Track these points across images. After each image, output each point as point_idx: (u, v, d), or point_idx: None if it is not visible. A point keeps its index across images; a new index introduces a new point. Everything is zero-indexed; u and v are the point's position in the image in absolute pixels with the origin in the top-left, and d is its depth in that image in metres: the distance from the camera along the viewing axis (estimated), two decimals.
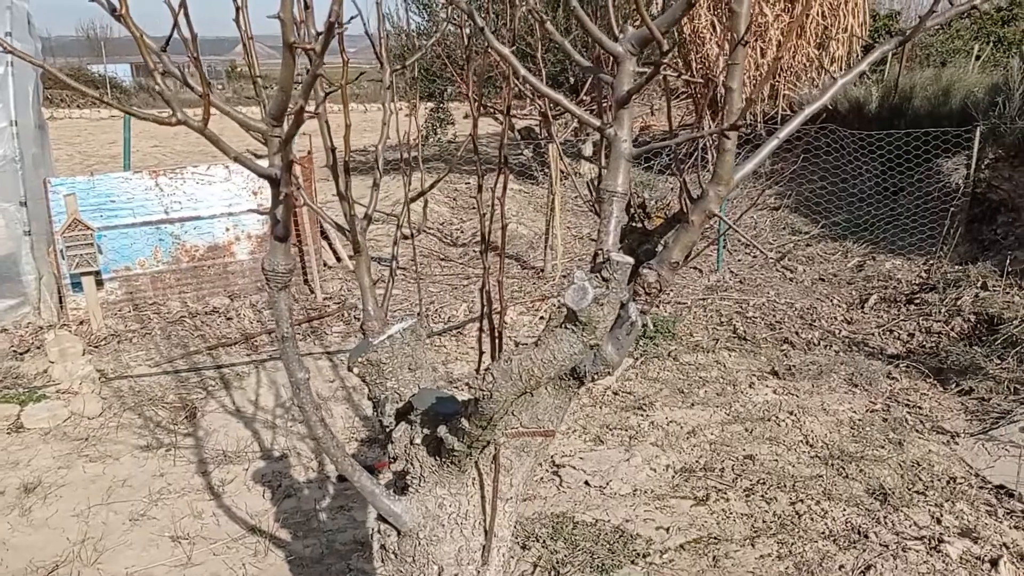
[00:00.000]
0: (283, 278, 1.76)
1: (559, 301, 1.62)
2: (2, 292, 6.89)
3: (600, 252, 1.71)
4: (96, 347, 6.50)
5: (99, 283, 6.98)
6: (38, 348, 6.34)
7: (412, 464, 2.04)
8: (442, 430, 1.90)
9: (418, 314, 2.81)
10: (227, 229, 7.57)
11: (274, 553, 3.83)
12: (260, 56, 2.02)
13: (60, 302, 7.01)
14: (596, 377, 2.05)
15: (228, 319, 7.10)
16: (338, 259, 8.42)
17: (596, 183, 2.37)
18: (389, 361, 2.14)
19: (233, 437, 5.00)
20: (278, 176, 1.55)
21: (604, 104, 2.37)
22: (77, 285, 6.85)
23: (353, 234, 2.29)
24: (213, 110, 1.48)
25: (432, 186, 2.47)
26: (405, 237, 2.46)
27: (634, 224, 2.17)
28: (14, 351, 6.31)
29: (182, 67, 1.62)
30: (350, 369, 2.21)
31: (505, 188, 2.06)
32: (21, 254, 6.84)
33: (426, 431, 2.00)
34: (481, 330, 2.30)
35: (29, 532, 4.08)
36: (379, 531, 2.10)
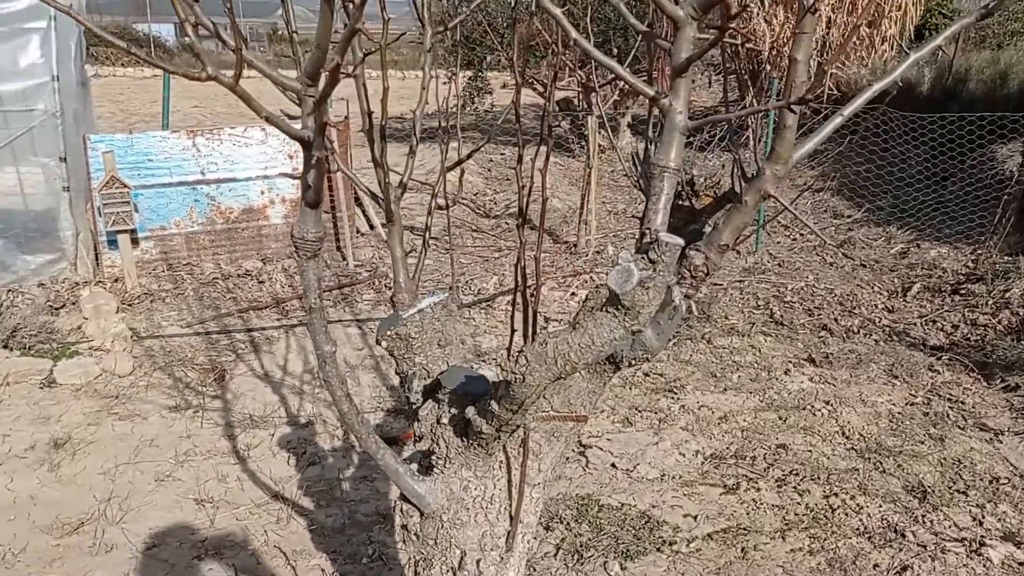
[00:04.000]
0: (313, 246, 1.68)
1: (599, 282, 1.53)
2: (40, 247, 6.92)
3: (648, 232, 1.61)
4: (129, 305, 6.51)
5: (134, 242, 6.98)
6: (73, 304, 6.37)
7: (438, 444, 1.97)
8: (470, 411, 1.82)
9: (450, 288, 2.74)
10: (262, 192, 7.53)
11: (296, 521, 3.80)
12: (300, 19, 1.93)
13: (96, 259, 7.03)
14: (634, 363, 1.95)
15: (260, 283, 7.08)
16: (371, 226, 8.36)
17: (641, 157, 2.26)
18: (418, 336, 2.06)
19: (260, 401, 4.98)
20: (311, 139, 1.47)
21: (655, 74, 2.25)
22: (113, 243, 6.86)
23: (387, 202, 2.20)
24: (248, 69, 1.40)
25: (469, 156, 2.38)
26: (440, 207, 2.37)
27: (681, 203, 2.06)
28: (50, 306, 6.34)
29: (219, 25, 1.53)
30: (378, 342, 2.13)
31: (547, 161, 1.96)
32: (60, 210, 6.85)
33: (454, 411, 1.93)
34: (514, 308, 2.21)
35: (57, 488, 4.09)
36: (402, 511, 2.04)
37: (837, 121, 1.84)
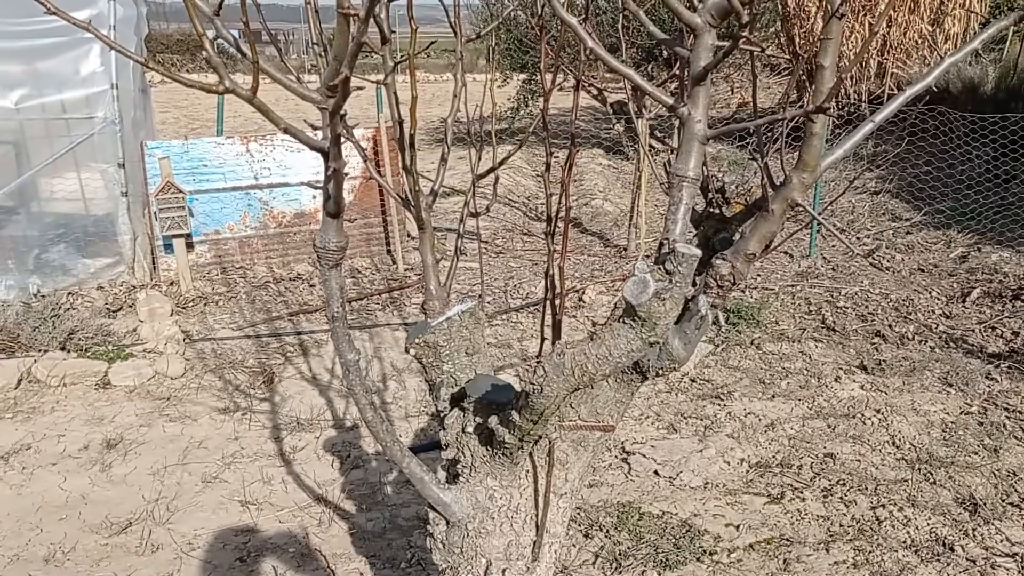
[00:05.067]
0: (335, 256, 1.70)
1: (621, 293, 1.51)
2: (100, 250, 7.13)
3: (665, 242, 1.58)
4: (184, 308, 6.66)
5: (189, 246, 7.14)
6: (130, 307, 6.54)
7: (463, 453, 1.97)
8: (493, 421, 1.82)
9: (479, 296, 2.74)
10: (313, 197, 7.64)
11: (337, 524, 3.84)
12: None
13: (152, 263, 7.21)
14: (661, 372, 1.93)
15: (311, 286, 7.18)
16: (421, 229, 8.41)
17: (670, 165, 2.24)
18: (446, 344, 2.07)
19: (307, 404, 5.05)
20: (328, 149, 1.48)
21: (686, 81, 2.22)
22: (168, 247, 7.02)
23: (417, 210, 2.22)
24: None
25: (502, 163, 2.38)
26: (472, 215, 2.38)
27: (712, 210, 2.03)
28: (108, 308, 6.52)
29: (245, 33, 1.55)
30: (407, 350, 2.15)
31: (571, 167, 1.94)
32: (118, 214, 7.05)
33: (478, 420, 1.93)
34: (543, 316, 2.21)
35: (108, 487, 4.20)
36: (429, 520, 2.05)
37: (868, 128, 1.80)
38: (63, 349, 5.62)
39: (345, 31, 1.40)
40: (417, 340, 2.08)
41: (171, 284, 7.07)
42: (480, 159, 2.37)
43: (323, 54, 1.96)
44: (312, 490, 4.14)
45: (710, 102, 1.78)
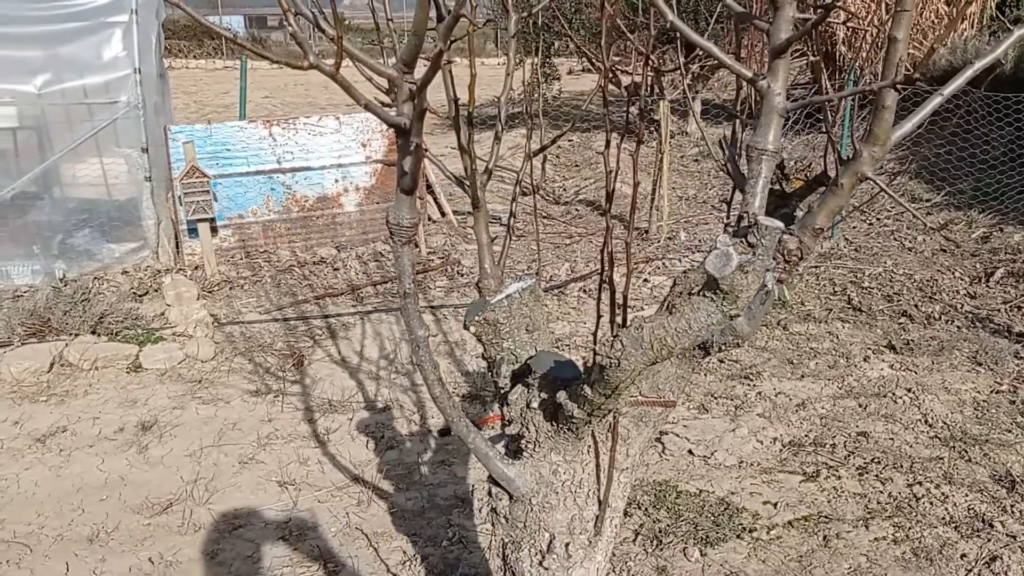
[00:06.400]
0: (408, 232, 1.71)
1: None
2: (124, 235, 7.16)
3: (745, 215, 1.59)
4: (209, 292, 6.69)
5: (213, 230, 7.16)
6: (156, 291, 6.58)
7: (528, 428, 1.98)
8: (562, 396, 1.83)
9: (536, 274, 2.75)
10: (336, 180, 7.65)
11: (376, 504, 3.87)
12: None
13: (177, 247, 7.24)
14: (724, 348, 1.95)
15: (335, 269, 7.20)
16: (443, 213, 8.43)
17: (729, 141, 2.24)
18: (507, 322, 2.08)
19: (338, 386, 5.08)
20: (408, 125, 1.49)
21: (743, 55, 2.22)
22: (193, 231, 7.05)
23: (473, 189, 2.23)
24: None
25: (554, 142, 2.39)
26: (524, 193, 2.38)
27: (772, 187, 2.03)
28: (134, 293, 6.55)
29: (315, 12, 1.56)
30: (466, 327, 2.16)
31: (638, 147, 1.95)
32: (142, 199, 7.07)
33: (544, 395, 1.94)
34: (600, 292, 2.21)
35: (145, 469, 4.24)
36: (491, 494, 2.06)
37: (937, 100, 1.79)
38: (94, 333, 5.66)
39: (426, 6, 1.41)
40: (477, 318, 2.09)
41: (195, 268, 7.10)
42: (523, 139, 2.37)
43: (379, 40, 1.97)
44: (349, 470, 4.17)
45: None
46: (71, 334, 5.59)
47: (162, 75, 7.89)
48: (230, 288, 6.81)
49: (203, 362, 5.44)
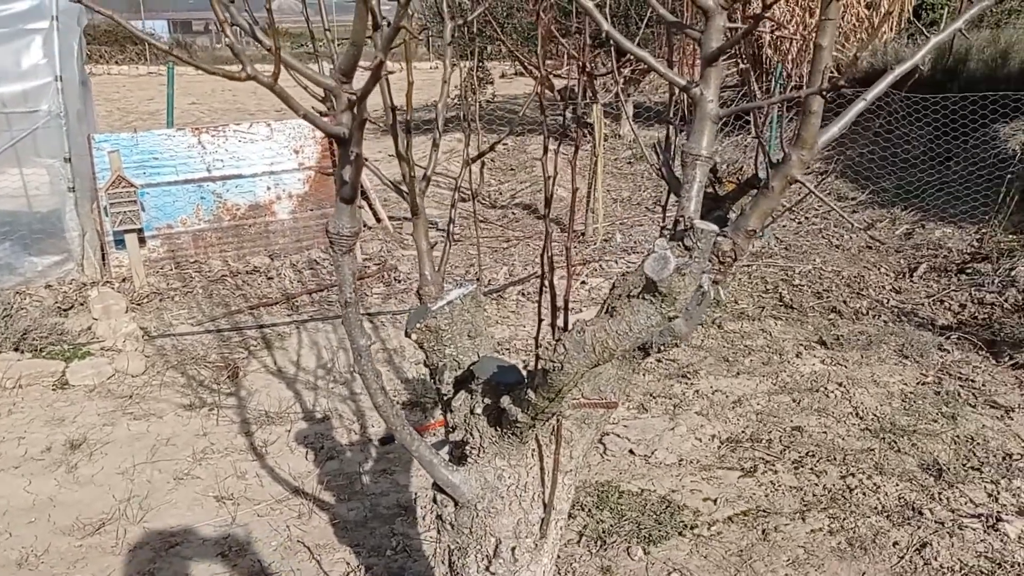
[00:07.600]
0: (348, 241, 1.70)
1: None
2: (46, 248, 6.93)
3: (681, 219, 1.62)
4: (139, 305, 6.53)
5: (141, 241, 6.99)
6: (82, 305, 6.39)
7: (472, 434, 1.99)
8: (505, 400, 1.83)
9: (477, 280, 2.76)
10: (268, 188, 7.54)
11: (318, 516, 3.83)
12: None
13: (103, 259, 7.05)
14: (663, 348, 1.98)
15: (269, 278, 7.10)
16: (378, 219, 8.37)
17: (663, 145, 2.27)
18: (448, 328, 2.08)
19: (275, 397, 5.01)
20: (348, 135, 1.48)
21: (674, 59, 2.26)
22: (120, 242, 6.87)
23: (412, 196, 2.21)
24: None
25: (492, 147, 2.39)
26: (463, 199, 2.39)
27: (705, 190, 2.07)
28: (58, 307, 6.35)
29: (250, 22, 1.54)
30: (408, 335, 2.15)
31: (575, 157, 1.97)
32: (65, 210, 6.86)
33: (487, 401, 1.94)
34: (541, 297, 2.23)
35: (75, 489, 4.11)
36: (436, 501, 2.06)
37: (860, 105, 1.84)
38: (17, 350, 5.47)
39: (364, 15, 1.40)
40: (419, 325, 2.09)
41: (123, 280, 6.92)
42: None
43: (312, 46, 1.95)
44: (288, 483, 4.11)
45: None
46: None
47: (84, 82, 7.66)
48: (160, 300, 6.66)
49: (133, 377, 5.30)
